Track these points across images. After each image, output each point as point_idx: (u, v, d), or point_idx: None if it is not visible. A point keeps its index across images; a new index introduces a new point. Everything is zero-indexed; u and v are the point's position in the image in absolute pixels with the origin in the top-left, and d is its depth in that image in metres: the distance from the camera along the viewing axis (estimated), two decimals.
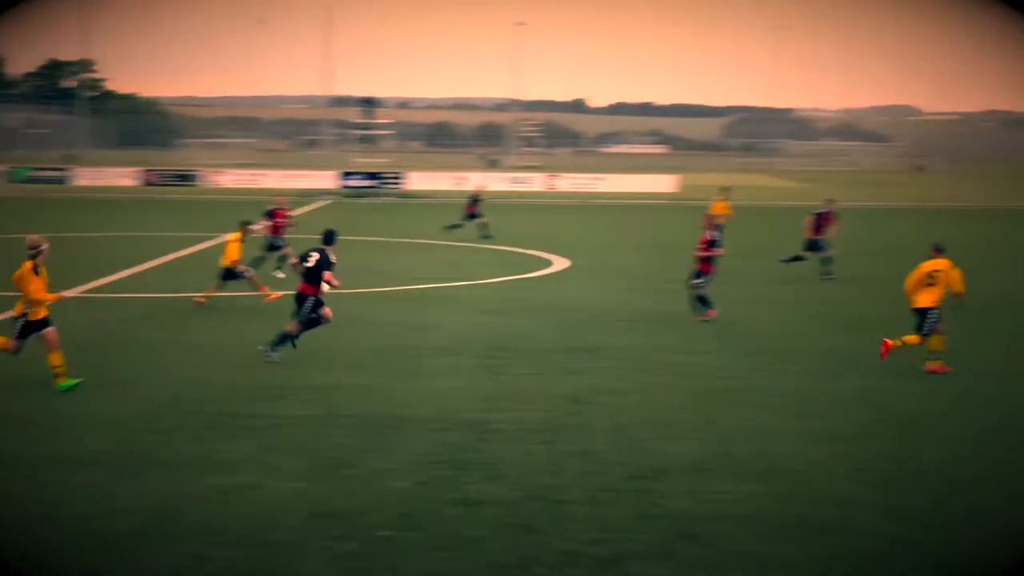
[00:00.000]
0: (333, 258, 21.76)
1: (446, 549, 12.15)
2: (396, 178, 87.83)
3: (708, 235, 27.24)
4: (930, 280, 21.58)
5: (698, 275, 27.22)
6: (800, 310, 29.14)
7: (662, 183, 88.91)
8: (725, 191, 45.89)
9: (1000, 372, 21.88)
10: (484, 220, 48.26)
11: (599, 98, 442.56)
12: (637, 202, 77.98)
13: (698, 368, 21.75)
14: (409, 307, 28.85)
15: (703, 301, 27.30)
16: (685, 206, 73.54)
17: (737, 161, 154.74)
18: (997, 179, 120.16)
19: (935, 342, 21.59)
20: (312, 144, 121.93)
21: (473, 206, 48.97)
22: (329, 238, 22.01)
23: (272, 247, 34.41)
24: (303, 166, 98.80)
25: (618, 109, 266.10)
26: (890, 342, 21.65)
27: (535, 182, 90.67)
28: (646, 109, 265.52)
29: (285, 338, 21.65)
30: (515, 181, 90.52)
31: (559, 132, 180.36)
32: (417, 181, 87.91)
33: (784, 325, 26.89)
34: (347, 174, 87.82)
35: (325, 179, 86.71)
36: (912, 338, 21.63)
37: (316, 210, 67.19)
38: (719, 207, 42.65)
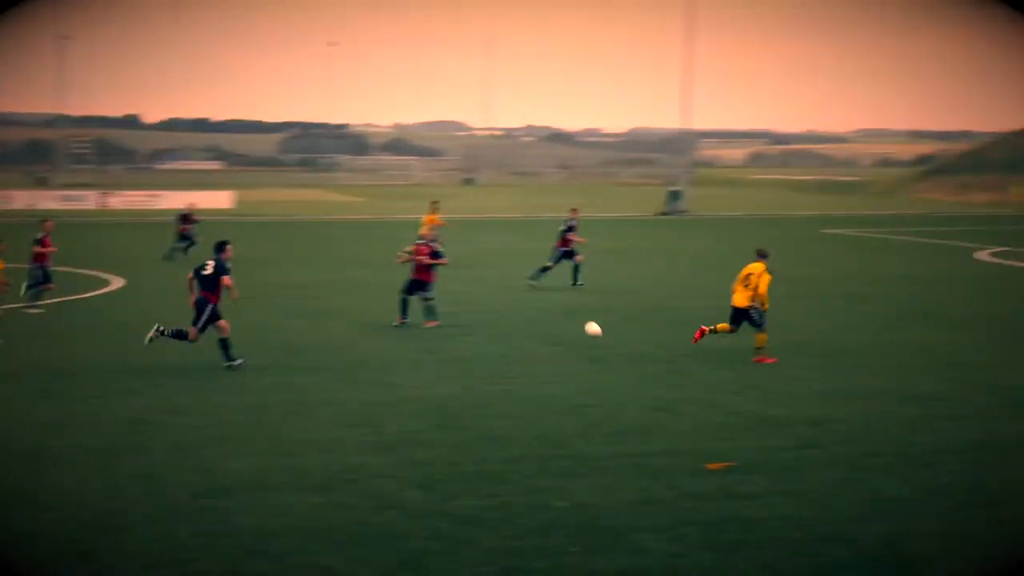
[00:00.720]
0: (229, 264, 22.93)
1: None
2: None
3: (430, 246, 28.65)
4: (746, 282, 23.68)
5: (421, 285, 28.39)
6: (364, 320, 29.45)
7: (218, 199, 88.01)
8: (436, 204, 46.24)
9: (550, 370, 22.87)
10: (197, 241, 46.75)
11: (152, 114, 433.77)
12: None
13: (256, 384, 21.64)
14: None
15: (431, 311, 28.43)
16: (242, 221, 73.07)
17: (294, 176, 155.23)
18: (537, 189, 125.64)
19: (761, 338, 23.65)
20: None
21: (186, 226, 47.59)
22: (221, 247, 22.96)
23: (37, 276, 30.98)
24: None
25: (172, 125, 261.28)
26: (705, 328, 23.95)
27: (88, 200, 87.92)
28: (201, 125, 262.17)
29: (181, 334, 23.11)
30: (66, 199, 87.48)
31: (111, 148, 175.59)
32: None
33: (348, 337, 27.13)
34: None
35: None
36: (724, 326, 23.92)
37: None
38: (433, 219, 43.02)
